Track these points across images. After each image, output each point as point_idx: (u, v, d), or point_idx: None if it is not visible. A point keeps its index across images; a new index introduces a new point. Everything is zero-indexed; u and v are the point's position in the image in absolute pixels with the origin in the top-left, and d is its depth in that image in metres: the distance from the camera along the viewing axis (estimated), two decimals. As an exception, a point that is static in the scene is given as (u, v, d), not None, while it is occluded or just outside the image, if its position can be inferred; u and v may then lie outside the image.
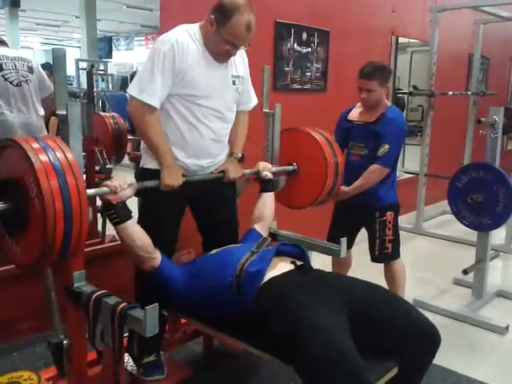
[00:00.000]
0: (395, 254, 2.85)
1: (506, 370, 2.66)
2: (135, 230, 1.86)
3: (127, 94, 1.98)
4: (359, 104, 2.87)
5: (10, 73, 3.13)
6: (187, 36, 1.99)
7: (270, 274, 1.84)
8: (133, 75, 4.52)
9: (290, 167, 2.49)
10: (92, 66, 4.89)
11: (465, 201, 3.26)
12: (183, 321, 2.45)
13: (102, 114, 3.90)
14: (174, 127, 2.03)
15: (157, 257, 1.94)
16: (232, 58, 2.09)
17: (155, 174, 2.00)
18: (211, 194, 2.20)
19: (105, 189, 1.76)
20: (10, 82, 3.12)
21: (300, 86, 3.99)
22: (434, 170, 5.00)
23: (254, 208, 2.37)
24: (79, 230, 1.51)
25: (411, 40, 5.60)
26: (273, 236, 2.39)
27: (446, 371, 2.48)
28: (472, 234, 3.55)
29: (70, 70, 7.47)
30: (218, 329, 1.97)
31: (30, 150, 1.46)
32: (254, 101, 2.33)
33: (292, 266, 1.92)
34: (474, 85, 5.49)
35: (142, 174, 2.11)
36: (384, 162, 2.68)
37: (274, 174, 2.40)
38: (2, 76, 3.09)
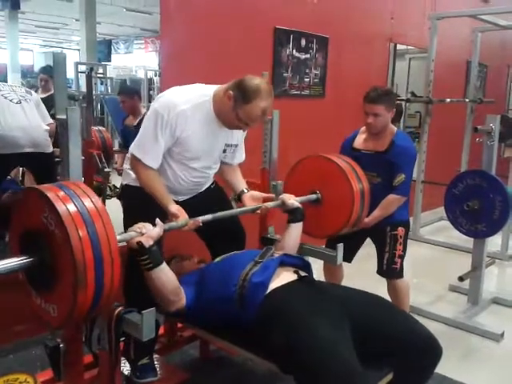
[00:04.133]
0: (401, 271, 2.77)
1: (502, 376, 2.67)
2: (166, 273, 1.80)
3: (129, 153, 2.05)
4: (362, 129, 2.81)
5: (9, 93, 3.20)
6: (195, 103, 1.99)
7: (273, 284, 1.83)
8: (123, 89, 4.60)
9: (314, 196, 2.41)
10: (91, 70, 4.90)
11: (461, 208, 3.27)
12: (180, 325, 2.45)
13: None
14: (161, 169, 2.10)
15: (183, 297, 1.88)
16: None
17: (137, 191, 2.08)
18: (199, 201, 2.23)
19: (132, 233, 1.70)
20: (10, 100, 3.18)
21: (299, 92, 4.01)
22: (431, 176, 5.02)
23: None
24: (111, 282, 1.43)
25: (409, 47, 5.63)
26: (270, 241, 2.38)
27: (441, 378, 2.48)
28: (468, 241, 3.56)
29: (69, 73, 7.48)
30: (215, 334, 1.97)
31: (54, 199, 1.38)
32: (242, 159, 2.36)
33: (295, 276, 1.91)
34: (471, 92, 5.51)
35: (125, 190, 2.22)
36: (402, 192, 2.65)
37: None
38: (2, 95, 3.16)
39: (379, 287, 2.69)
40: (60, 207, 1.36)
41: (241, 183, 2.29)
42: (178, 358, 2.58)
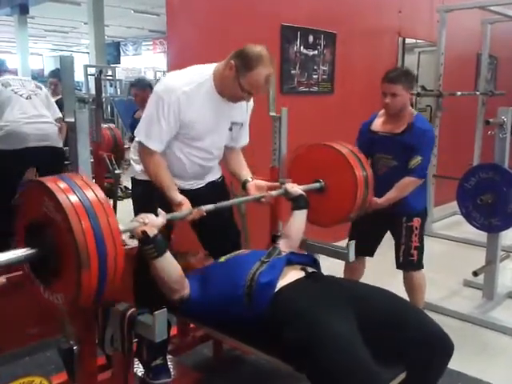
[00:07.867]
0: (420, 263, 2.75)
1: (518, 372, 2.65)
2: (171, 262, 1.81)
3: (134, 140, 2.07)
4: (381, 112, 2.78)
5: (18, 88, 3.28)
6: (196, 83, 1.99)
7: (281, 282, 1.83)
8: (136, 82, 4.61)
9: (317, 184, 2.39)
10: (100, 72, 4.92)
11: (474, 202, 3.24)
12: (192, 325, 2.46)
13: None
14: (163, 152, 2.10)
15: (187, 286, 1.90)
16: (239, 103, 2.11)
17: (147, 184, 2.10)
18: (204, 194, 2.22)
19: (134, 223, 1.72)
20: (20, 95, 3.23)
21: (307, 89, 3.99)
22: (443, 170, 4.97)
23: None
24: (114, 271, 1.43)
25: (418, 40, 5.59)
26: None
27: (456, 374, 2.46)
28: (482, 235, 3.52)
29: (79, 76, 7.53)
30: (227, 333, 1.96)
31: (57, 191, 1.37)
32: (246, 141, 2.34)
33: (303, 273, 1.91)
34: (482, 85, 5.45)
35: (133, 183, 2.26)
36: (418, 174, 2.62)
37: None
38: (12, 90, 3.23)
39: (393, 283, 2.67)
40: (60, 195, 1.36)
41: (245, 172, 2.28)
42: (191, 358, 2.58)
